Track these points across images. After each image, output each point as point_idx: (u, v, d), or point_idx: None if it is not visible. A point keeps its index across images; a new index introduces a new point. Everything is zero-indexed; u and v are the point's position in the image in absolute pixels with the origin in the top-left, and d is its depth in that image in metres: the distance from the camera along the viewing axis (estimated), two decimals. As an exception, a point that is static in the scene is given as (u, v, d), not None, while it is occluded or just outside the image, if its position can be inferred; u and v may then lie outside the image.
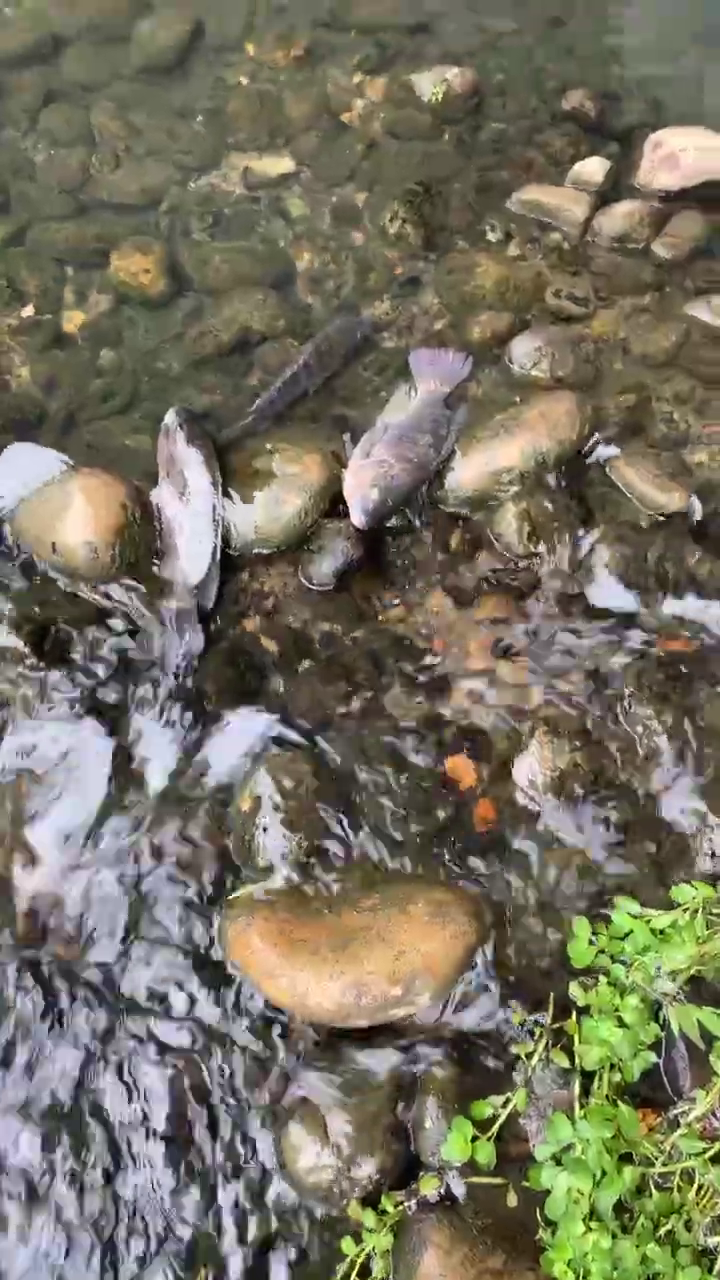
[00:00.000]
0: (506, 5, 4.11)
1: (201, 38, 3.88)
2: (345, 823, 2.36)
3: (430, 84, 3.67)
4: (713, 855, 2.33)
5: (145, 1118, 2.10)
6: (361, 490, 2.70)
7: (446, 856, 2.35)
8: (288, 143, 3.62)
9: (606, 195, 3.42)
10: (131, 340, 3.16)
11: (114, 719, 2.55)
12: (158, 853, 2.36)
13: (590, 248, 3.34)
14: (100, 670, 2.59)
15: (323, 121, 3.66)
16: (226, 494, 2.77)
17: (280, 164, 3.55)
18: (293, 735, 2.48)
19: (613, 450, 2.92)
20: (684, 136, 3.48)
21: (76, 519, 2.63)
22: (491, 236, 3.36)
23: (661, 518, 2.79)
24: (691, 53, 4.07)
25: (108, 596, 2.67)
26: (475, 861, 2.34)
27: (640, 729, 2.47)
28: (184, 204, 3.45)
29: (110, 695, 2.58)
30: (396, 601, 2.74)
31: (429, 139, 3.62)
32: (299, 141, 3.62)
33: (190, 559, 2.71)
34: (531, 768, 2.42)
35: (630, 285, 3.25)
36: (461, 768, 2.49)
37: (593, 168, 3.41)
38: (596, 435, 2.92)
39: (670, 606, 2.72)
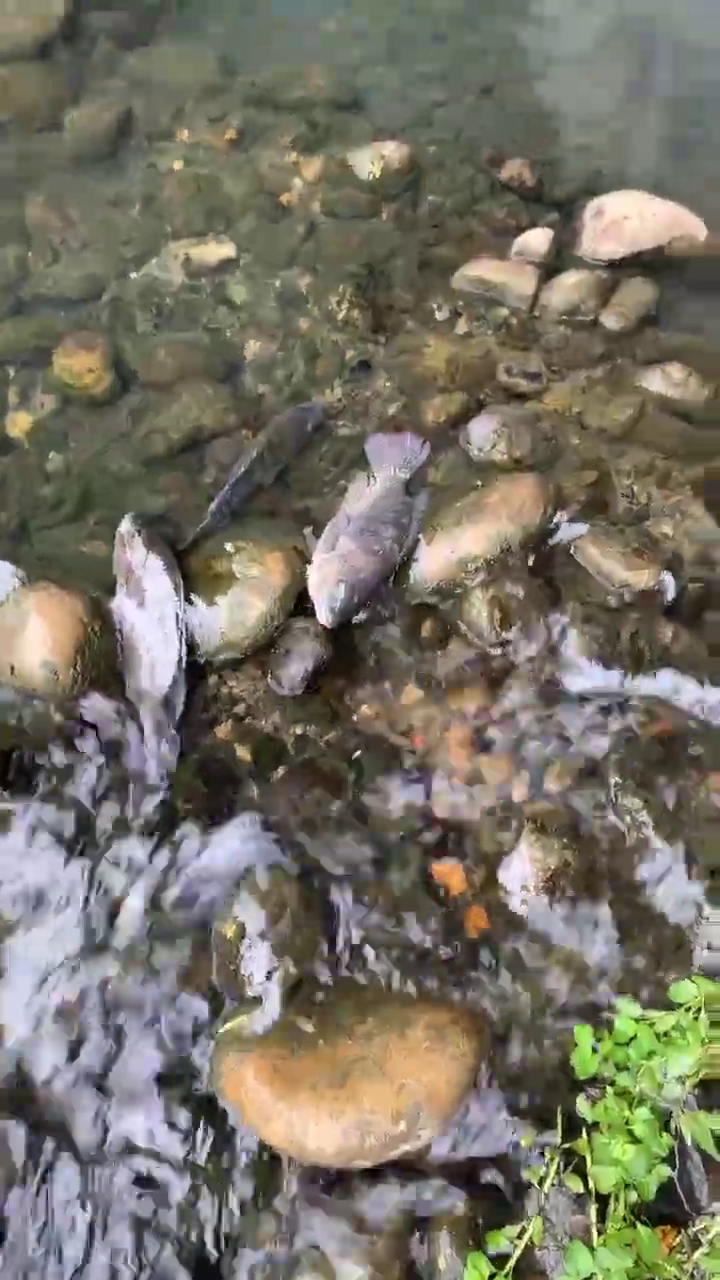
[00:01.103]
0: (435, 77, 4.31)
1: (133, 125, 4.01)
2: (333, 942, 2.38)
3: (367, 161, 3.82)
4: (710, 948, 2.38)
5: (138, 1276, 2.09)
6: (327, 587, 2.76)
7: (440, 969, 2.38)
8: (227, 227, 3.73)
9: (551, 266, 3.58)
10: (79, 442, 3.21)
11: (85, 846, 2.55)
12: (139, 988, 2.36)
13: (539, 322, 3.48)
14: (68, 795, 2.60)
15: (261, 204, 3.79)
16: (188, 600, 2.82)
17: (220, 250, 3.66)
18: (273, 851, 2.51)
19: (577, 529, 3.02)
20: (624, 202, 3.65)
21: (33, 639, 2.66)
22: (439, 315, 3.48)
23: (631, 596, 2.89)
24: (625, 115, 4.29)
25: (72, 716, 2.69)
26: (470, 972, 2.37)
27: (629, 820, 2.53)
28: (125, 296, 3.54)
29: (80, 821, 2.58)
30: (370, 699, 2.79)
31: (369, 217, 3.76)
32: (238, 226, 3.73)
33: (155, 670, 2.74)
34: (521, 869, 2.46)
35: (582, 358, 3.38)
36: (449, 873, 2.52)
37: (536, 240, 3.56)
38: (560, 515, 3.01)
39: (648, 686, 2.80)
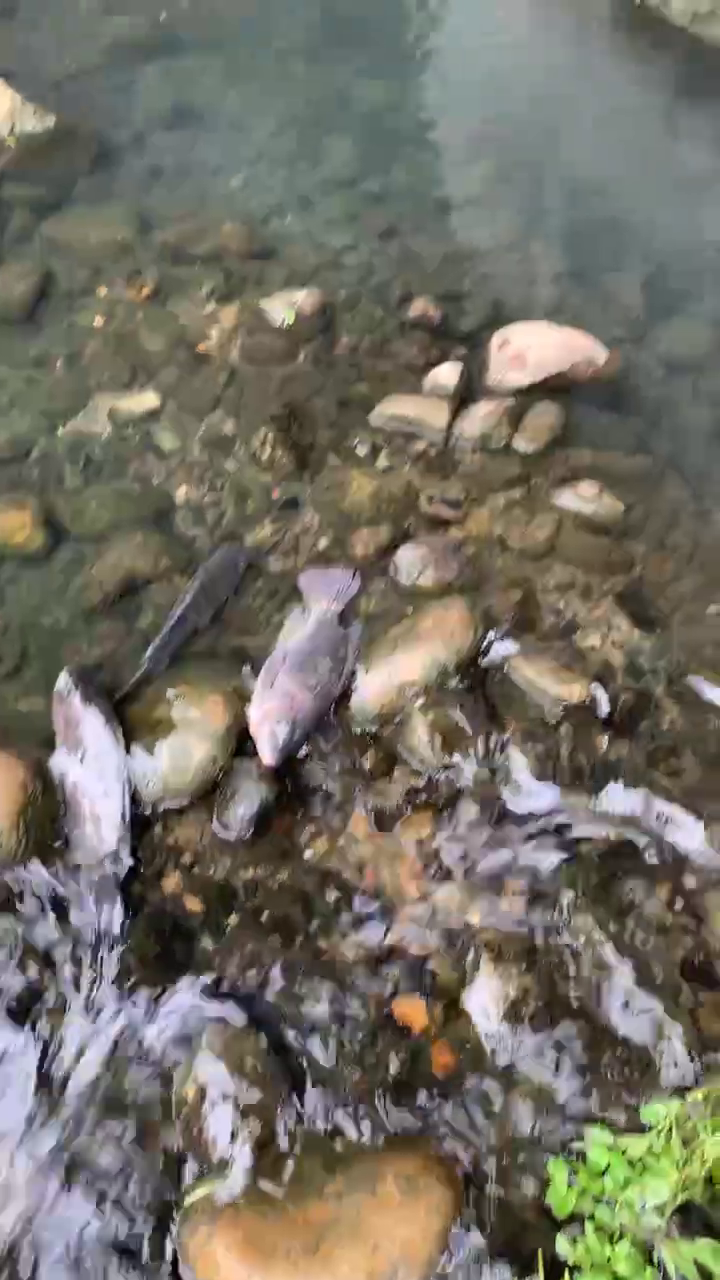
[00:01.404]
0: (341, 223, 4.62)
1: (53, 286, 4.21)
2: (298, 1096, 2.36)
3: (280, 308, 4.05)
4: (675, 1064, 2.40)
5: None
6: (268, 726, 2.82)
7: (408, 1113, 2.36)
8: (150, 378, 3.90)
9: (463, 397, 3.79)
10: (14, 599, 3.27)
11: (35, 1013, 2.51)
12: (98, 1161, 2.30)
13: (456, 451, 3.67)
14: (14, 963, 2.57)
15: (181, 354, 3.98)
16: (129, 750, 2.85)
17: (145, 400, 3.82)
18: (229, 1006, 2.49)
19: (509, 648, 3.13)
20: (526, 333, 3.90)
21: (-25, 805, 2.66)
22: (361, 451, 3.66)
23: (567, 710, 2.99)
24: (519, 250, 4.62)
25: (17, 880, 2.68)
26: (439, 1114, 2.36)
27: (583, 939, 2.57)
28: (54, 451, 3.66)
29: (28, 986, 2.55)
30: (319, 835, 2.82)
31: (287, 360, 3.97)
32: (161, 376, 3.91)
33: (100, 826, 2.75)
34: (482, 1000, 2.48)
35: (499, 482, 3.57)
36: (411, 1010, 2.52)
37: (446, 374, 3.78)
38: (491, 636, 3.13)
39: (593, 798, 2.87)
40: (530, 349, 3.79)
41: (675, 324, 4.33)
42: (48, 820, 2.74)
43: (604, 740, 2.95)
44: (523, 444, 3.67)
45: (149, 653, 3.10)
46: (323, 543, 3.45)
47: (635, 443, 3.81)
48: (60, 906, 2.68)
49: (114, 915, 2.66)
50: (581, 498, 3.46)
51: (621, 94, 5.67)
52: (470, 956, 2.56)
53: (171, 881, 2.75)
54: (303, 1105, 2.35)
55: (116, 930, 2.64)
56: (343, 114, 5.27)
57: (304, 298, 4.06)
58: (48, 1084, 2.44)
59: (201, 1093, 2.33)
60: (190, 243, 4.41)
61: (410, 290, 4.23)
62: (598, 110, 5.59)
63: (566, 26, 6.09)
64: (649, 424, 3.90)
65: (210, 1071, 2.35)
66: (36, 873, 2.67)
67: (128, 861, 2.71)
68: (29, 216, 4.52)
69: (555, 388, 3.82)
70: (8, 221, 4.48)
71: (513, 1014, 2.45)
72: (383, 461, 3.65)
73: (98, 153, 4.87)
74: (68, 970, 2.58)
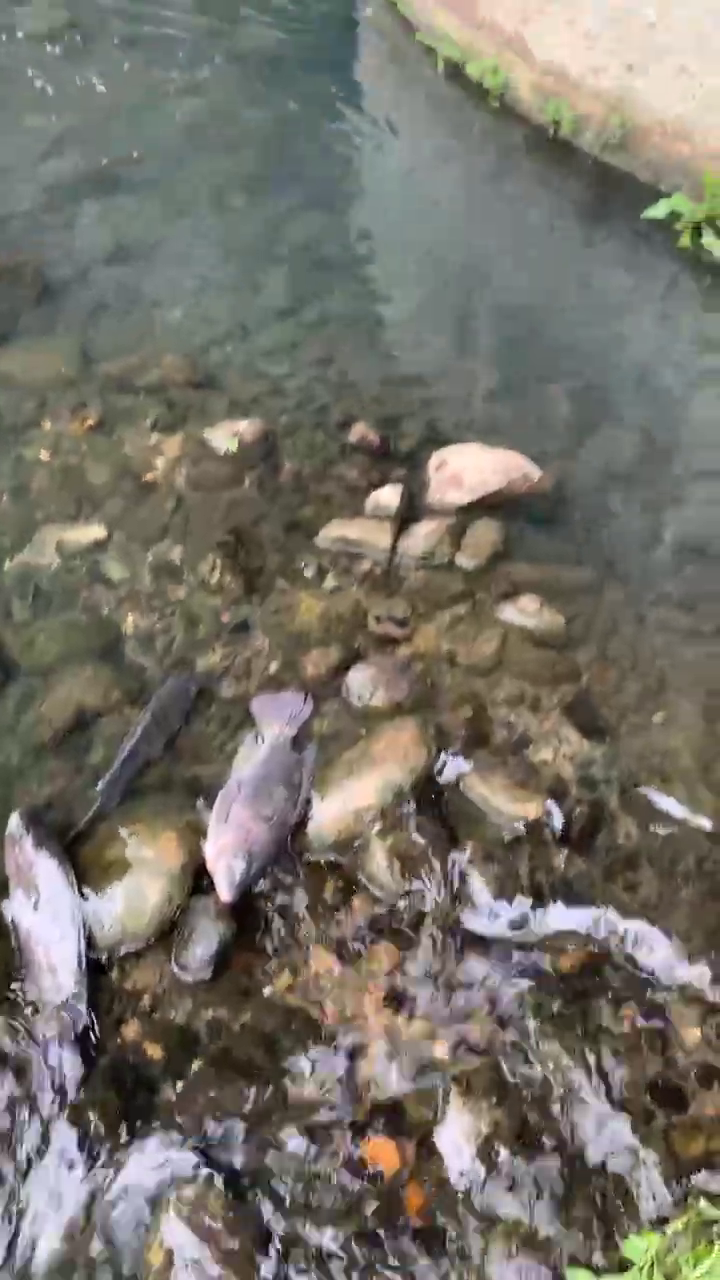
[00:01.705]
0: (280, 351, 4.80)
1: (-3, 420, 4.30)
2: (270, 1253, 2.28)
3: (224, 437, 4.17)
4: (654, 1195, 2.37)
5: None
6: (225, 861, 2.81)
7: (384, 1263, 2.29)
8: (96, 509, 3.97)
9: (405, 517, 3.91)
10: (-37, 740, 3.26)
11: (-9, 1180, 2.42)
12: (63, 1346, 2.20)
13: (400, 569, 3.77)
14: (-30, 1128, 2.48)
15: (127, 484, 4.06)
16: (83, 893, 2.81)
17: (92, 531, 3.88)
18: (195, 1160, 2.42)
19: (462, 765, 3.17)
20: (463, 454, 4.06)
21: None
22: (308, 573, 3.74)
23: (523, 827, 3.02)
24: (452, 371, 4.84)
25: (-31, 1038, 2.60)
26: (415, 1262, 2.29)
27: (553, 1065, 2.55)
28: (1, 585, 3.68)
29: (-16, 1154, 2.46)
30: (281, 971, 2.78)
31: (233, 486, 4.07)
32: (107, 506, 3.98)
33: (55, 974, 2.69)
34: (453, 1138, 2.44)
35: (443, 599, 3.66)
36: (382, 1151, 2.47)
37: (387, 496, 3.90)
38: (444, 755, 3.18)
39: (552, 918, 2.89)
40: (466, 470, 3.95)
41: (603, 436, 4.53)
42: (1, 969, 2.69)
43: (561, 857, 2.98)
44: (465, 560, 3.79)
45: (101, 788, 3.08)
46: (274, 666, 3.50)
47: (573, 554, 3.95)
48: (15, 1061, 2.61)
49: (72, 1068, 2.58)
50: (524, 612, 3.57)
51: (540, 218, 6.03)
52: (440, 1091, 2.53)
53: (131, 1028, 2.68)
54: (274, 1264, 2.27)
55: (75, 1085, 2.56)
56: (278, 246, 5.53)
57: (247, 426, 4.19)
58: (9, 1255, 2.34)
59: (169, 1257, 2.24)
60: (133, 374, 4.55)
61: (350, 415, 4.39)
62: (519, 234, 5.94)
63: (487, 156, 6.50)
64: (585, 535, 4.05)
65: (177, 1233, 2.27)
66: (-10, 1028, 2.61)
67: (84, 1011, 2.65)
68: (-28, 353, 4.63)
69: (493, 504, 3.96)
70: (-49, 359, 4.59)
71: (486, 1151, 2.41)
72: (330, 582, 3.73)
73: (42, 288, 5.04)
74: (25, 1131, 2.49)
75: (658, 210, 5.47)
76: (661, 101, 5.62)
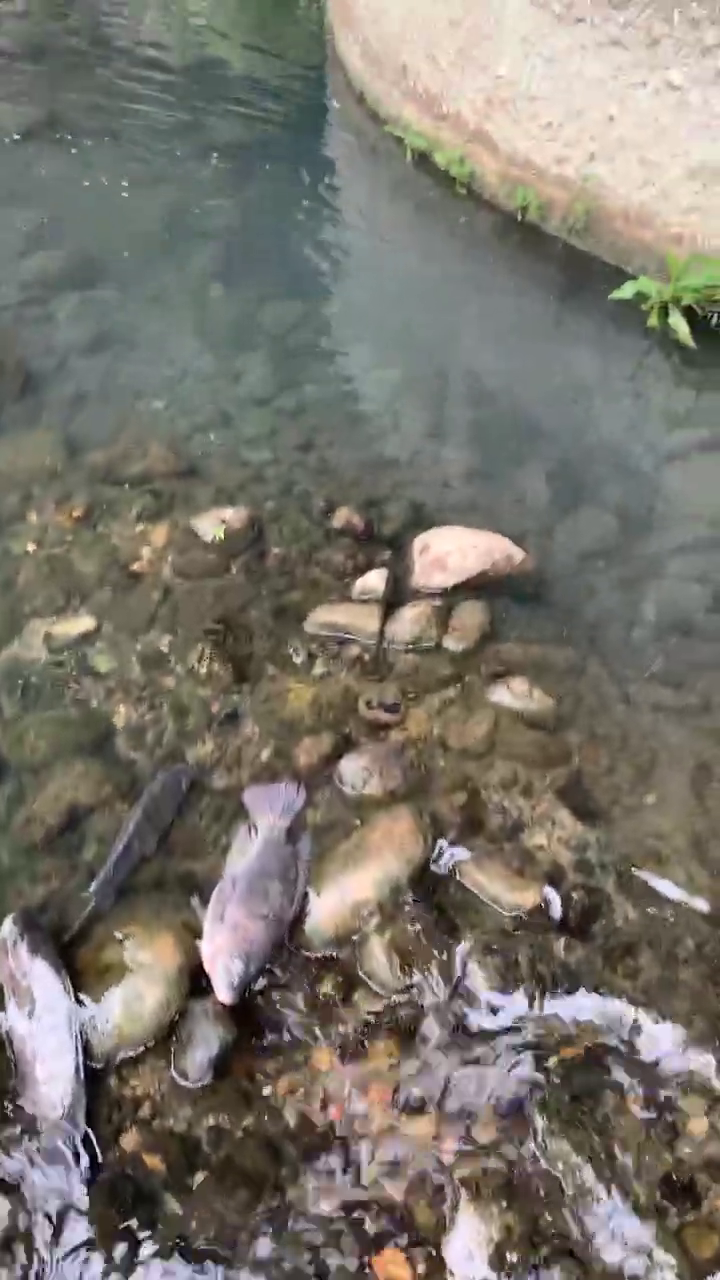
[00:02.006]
0: (262, 438, 4.90)
1: (-17, 515, 4.35)
2: None
3: (210, 525, 4.24)
4: (671, 1298, 2.34)
5: None
6: (222, 962, 2.79)
7: None
8: (84, 601, 4.01)
9: (391, 601, 3.97)
10: (-46, 841, 3.24)
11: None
12: None
13: (389, 654, 3.82)
14: (-34, 1254, 2.42)
15: (114, 574, 4.11)
16: (79, 999, 2.78)
17: (81, 623, 3.91)
18: (199, 1277, 2.36)
19: (459, 853, 3.18)
20: (444, 538, 4.15)
21: None
22: (297, 659, 3.78)
23: (522, 916, 3.02)
24: (429, 454, 4.95)
25: (-36, 1157, 2.55)
26: None
27: (562, 1166, 2.52)
28: (-11, 681, 3.70)
29: (-20, 1282, 2.39)
30: (282, 1073, 2.75)
31: (220, 574, 4.12)
32: (96, 597, 4.02)
33: (52, 1085, 2.65)
34: (465, 1246, 2.40)
35: (433, 682, 3.71)
36: (392, 1263, 2.42)
37: (373, 580, 3.97)
38: (440, 843, 3.19)
39: (554, 1008, 2.88)
40: (450, 553, 4.03)
41: (581, 515, 4.63)
42: (-3, 1084, 2.65)
43: (560, 945, 2.97)
44: (452, 643, 3.84)
45: (94, 888, 3.06)
46: (265, 754, 3.51)
47: (558, 633, 4.01)
48: (11, 1179, 2.55)
49: (71, 1185, 2.53)
50: (514, 694, 3.61)
51: (511, 299, 6.23)
52: (449, 1196, 2.50)
53: (130, 1138, 2.64)
54: None
55: (75, 1202, 2.51)
56: (255, 333, 5.68)
57: (232, 514, 4.27)
58: None
59: None
60: (118, 465, 4.62)
61: (332, 500, 4.47)
62: (491, 315, 6.13)
63: (457, 241, 6.72)
64: (569, 614, 4.12)
65: None
66: (-14, 1145, 2.56)
67: (82, 1124, 2.60)
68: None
69: (477, 586, 4.03)
70: (-64, 448, 4.66)
71: (498, 1259, 2.37)
72: (319, 668, 3.77)
73: (24, 380, 5.14)
74: (22, 1253, 2.43)
75: (624, 292, 5.66)
76: (624, 189, 5.86)
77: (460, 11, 6.38)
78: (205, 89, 8.22)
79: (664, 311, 5.61)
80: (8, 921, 2.91)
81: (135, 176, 7.06)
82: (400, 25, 7.07)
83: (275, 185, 7.09)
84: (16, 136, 7.35)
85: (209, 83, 8.35)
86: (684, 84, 5.31)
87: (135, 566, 4.17)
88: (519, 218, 6.44)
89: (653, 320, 5.62)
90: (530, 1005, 2.86)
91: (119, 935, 2.91)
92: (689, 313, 5.53)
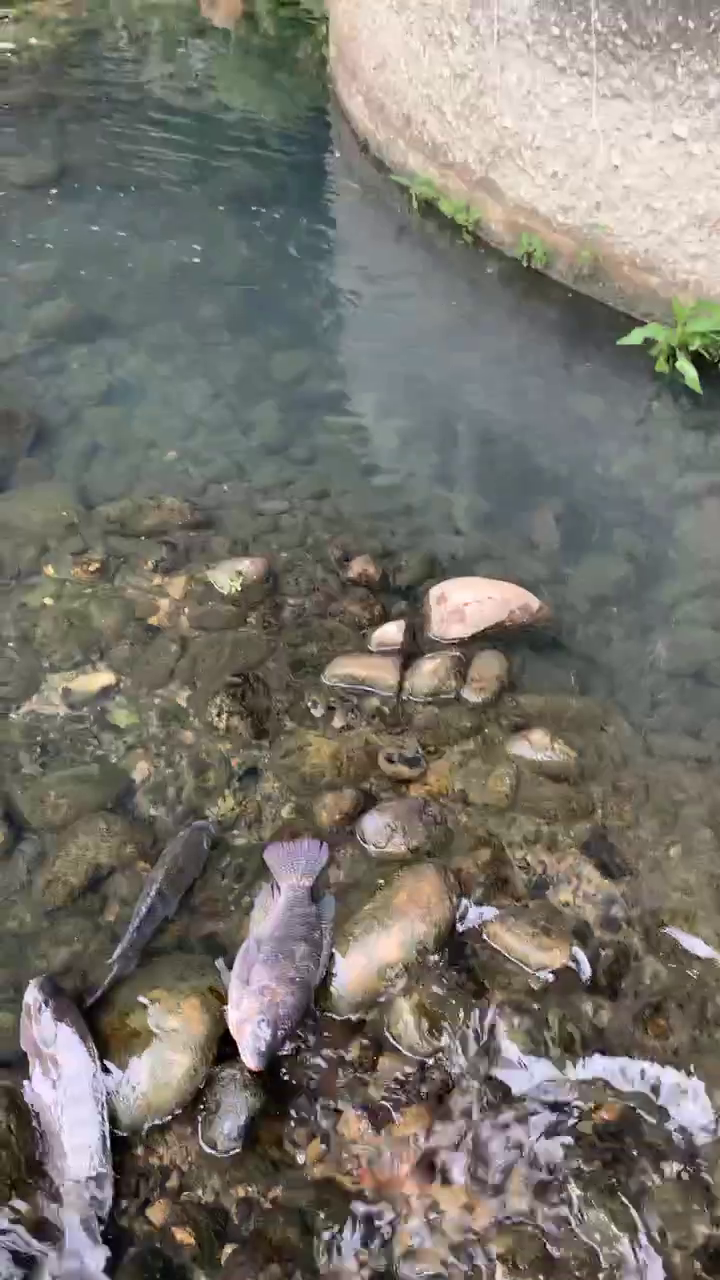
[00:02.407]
0: (275, 489, 4.94)
1: (0, 567, 4.37)
2: None
3: (226, 577, 4.27)
4: None
5: None
6: (250, 1028, 2.77)
7: None
8: (103, 655, 4.03)
9: (409, 651, 3.99)
10: (-22, 903, 3.24)
11: None
12: None
13: (408, 706, 3.83)
14: (-6, 1335, 2.38)
15: (132, 628, 4.13)
16: (104, 1067, 2.76)
17: (100, 678, 3.93)
18: None
19: (485, 913, 3.18)
20: (460, 588, 4.17)
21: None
22: (316, 712, 3.79)
23: (550, 975, 3.01)
24: (441, 500, 5.00)
25: (-9, 1232, 2.52)
26: None
27: (599, 1237, 2.49)
28: (9, 738, 3.71)
29: None
30: (312, 1140, 2.73)
31: (237, 626, 4.15)
32: (114, 651, 4.04)
33: (77, 1156, 2.62)
34: (502, 1323, 2.37)
35: (453, 734, 3.72)
36: (428, 1342, 2.39)
37: (390, 632, 4.00)
38: (465, 902, 3.18)
39: (586, 1069, 2.86)
40: (468, 604, 4.05)
41: (592, 560, 4.67)
42: (22, 1154, 2.62)
43: (589, 1004, 2.96)
44: (472, 695, 3.85)
45: (118, 952, 3.05)
46: (286, 811, 3.51)
47: (578, 683, 4.03)
48: (36, 1254, 2.52)
49: (97, 1261, 2.51)
50: (535, 747, 3.62)
51: (518, 345, 6.31)
52: (484, 1269, 2.46)
53: (158, 1211, 2.61)
54: None
55: (99, 1274, 2.48)
56: (265, 382, 5.74)
57: (249, 565, 4.30)
58: None
59: None
60: (133, 518, 4.66)
61: (347, 550, 4.51)
62: (499, 361, 6.20)
63: (463, 287, 6.83)
64: (586, 662, 4.14)
65: None
66: (11, 1214, 2.52)
67: (109, 1197, 2.58)
68: (-31, 503, 4.75)
69: (495, 635, 4.06)
70: (-49, 509, 4.70)
71: (537, 1336, 2.34)
72: (338, 721, 3.78)
73: (36, 433, 5.19)
74: (50, 1336, 2.40)
75: (633, 338, 5.74)
76: (630, 236, 5.96)
77: (465, 65, 6.53)
78: (210, 140, 8.38)
79: (672, 356, 5.68)
80: (32, 988, 2.89)
81: (143, 226, 7.18)
82: (405, 76, 7.23)
83: (281, 234, 7.20)
84: (27, 187, 7.49)
85: (214, 133, 8.51)
86: (688, 135, 5.42)
87: (153, 619, 4.19)
88: (525, 264, 6.55)
89: (661, 365, 5.69)
90: (561, 1068, 2.84)
91: (143, 1000, 2.90)
92: (697, 358, 5.61)
